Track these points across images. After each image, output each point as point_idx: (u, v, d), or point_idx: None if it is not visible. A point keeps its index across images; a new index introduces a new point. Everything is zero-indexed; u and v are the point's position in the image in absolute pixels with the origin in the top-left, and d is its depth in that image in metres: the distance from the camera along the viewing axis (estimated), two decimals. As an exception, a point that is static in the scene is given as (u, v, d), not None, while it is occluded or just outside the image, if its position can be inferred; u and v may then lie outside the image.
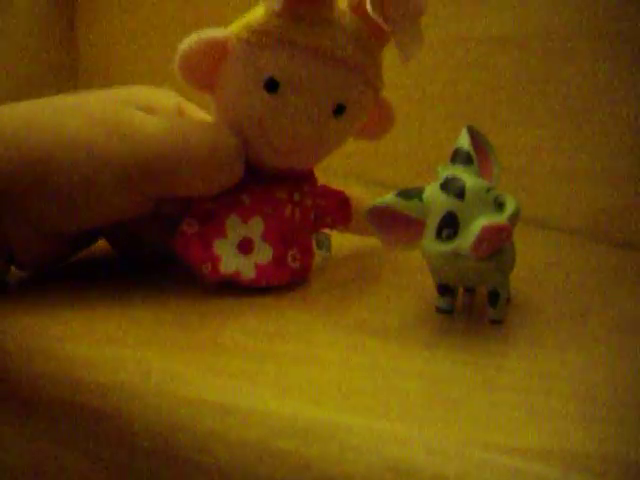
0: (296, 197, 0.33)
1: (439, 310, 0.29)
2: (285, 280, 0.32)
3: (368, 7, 0.30)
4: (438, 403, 0.22)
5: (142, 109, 0.31)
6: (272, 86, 0.30)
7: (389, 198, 0.27)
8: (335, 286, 0.32)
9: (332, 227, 0.36)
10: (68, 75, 1.32)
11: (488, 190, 0.26)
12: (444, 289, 0.29)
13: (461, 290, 0.30)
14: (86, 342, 0.27)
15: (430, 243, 0.26)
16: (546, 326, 0.29)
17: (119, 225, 0.32)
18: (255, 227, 0.32)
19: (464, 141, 0.28)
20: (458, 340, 0.27)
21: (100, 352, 0.26)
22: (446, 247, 0.26)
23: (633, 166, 0.41)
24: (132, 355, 0.26)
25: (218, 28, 0.31)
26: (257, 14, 0.31)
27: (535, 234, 0.44)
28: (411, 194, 0.27)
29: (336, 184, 0.41)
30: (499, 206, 0.27)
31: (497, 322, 0.28)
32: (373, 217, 0.27)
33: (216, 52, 0.31)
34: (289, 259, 0.32)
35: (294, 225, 0.33)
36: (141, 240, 0.34)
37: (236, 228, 0.32)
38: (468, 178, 0.26)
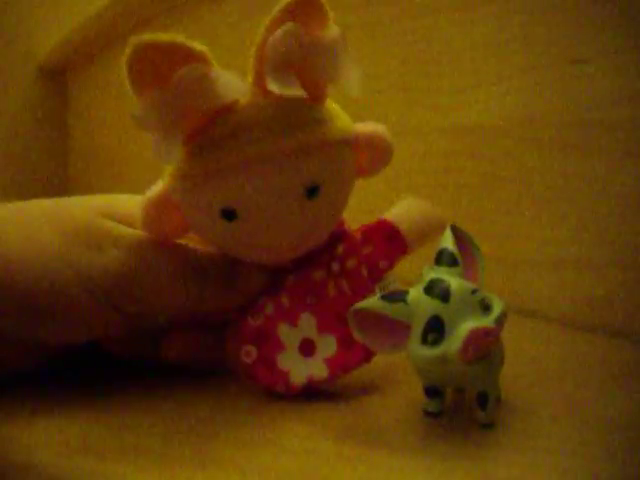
0: (334, 268, 0.31)
1: (427, 414, 0.28)
2: (360, 360, 0.30)
3: (270, 86, 0.26)
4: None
5: (120, 220, 0.30)
6: (230, 215, 0.28)
7: (373, 302, 0.26)
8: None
9: (392, 267, 0.33)
10: (59, 158, 1.34)
11: (473, 292, 0.26)
12: (432, 392, 0.28)
13: (450, 390, 0.30)
14: (59, 452, 0.26)
15: (416, 348, 0.25)
16: (538, 428, 0.28)
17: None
18: (307, 325, 0.31)
19: (448, 242, 0.27)
20: (446, 447, 0.26)
21: (75, 464, 0.25)
22: (432, 352, 0.25)
23: (617, 254, 0.40)
24: (107, 469, 0.25)
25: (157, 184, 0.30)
26: (179, 161, 0.28)
27: (521, 324, 0.43)
28: (395, 297, 0.26)
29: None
30: (485, 308, 0.26)
31: (487, 425, 0.28)
32: (356, 321, 0.27)
33: (163, 206, 0.29)
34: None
35: (345, 299, 0.31)
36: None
37: (290, 335, 0.31)
38: (453, 280, 0.26)
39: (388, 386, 0.32)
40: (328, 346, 0.30)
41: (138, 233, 0.30)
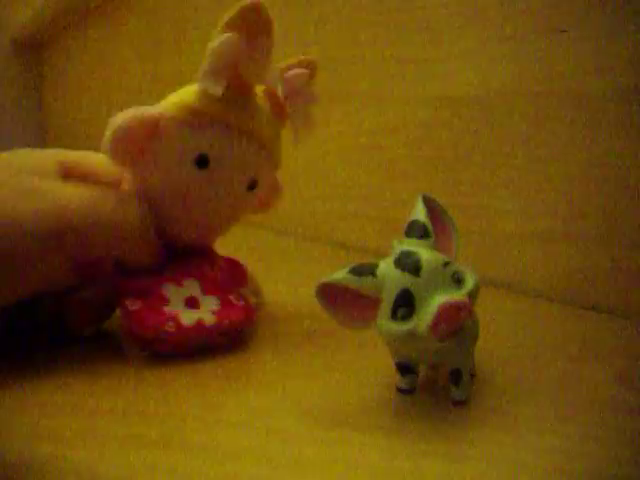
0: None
1: (400, 391, 0.28)
2: (242, 317, 0.33)
3: (280, 93, 0.34)
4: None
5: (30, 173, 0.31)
6: (203, 162, 0.32)
7: (340, 275, 0.25)
8: (289, 366, 0.30)
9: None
10: (35, 132, 1.31)
11: (445, 265, 0.25)
12: (404, 368, 0.27)
13: (423, 367, 0.29)
14: (15, 438, 0.25)
15: (385, 323, 0.24)
16: (512, 406, 0.27)
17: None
18: (192, 286, 0.33)
19: (420, 212, 0.26)
20: (419, 426, 0.25)
21: (31, 450, 0.24)
22: (402, 327, 0.24)
23: (594, 228, 0.39)
24: (64, 454, 0.24)
25: (150, 106, 0.32)
26: (189, 94, 0.32)
27: (497, 297, 0.43)
28: (364, 271, 0.25)
29: (303, 246, 0.40)
30: (458, 281, 0.25)
31: (461, 403, 0.27)
32: (324, 295, 0.25)
33: (148, 129, 0.31)
34: (234, 300, 0.33)
35: (222, 273, 0.34)
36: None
37: (175, 292, 0.32)
38: (424, 252, 0.25)
39: (360, 363, 0.31)
40: (211, 303, 0.33)
41: (70, 187, 0.31)
